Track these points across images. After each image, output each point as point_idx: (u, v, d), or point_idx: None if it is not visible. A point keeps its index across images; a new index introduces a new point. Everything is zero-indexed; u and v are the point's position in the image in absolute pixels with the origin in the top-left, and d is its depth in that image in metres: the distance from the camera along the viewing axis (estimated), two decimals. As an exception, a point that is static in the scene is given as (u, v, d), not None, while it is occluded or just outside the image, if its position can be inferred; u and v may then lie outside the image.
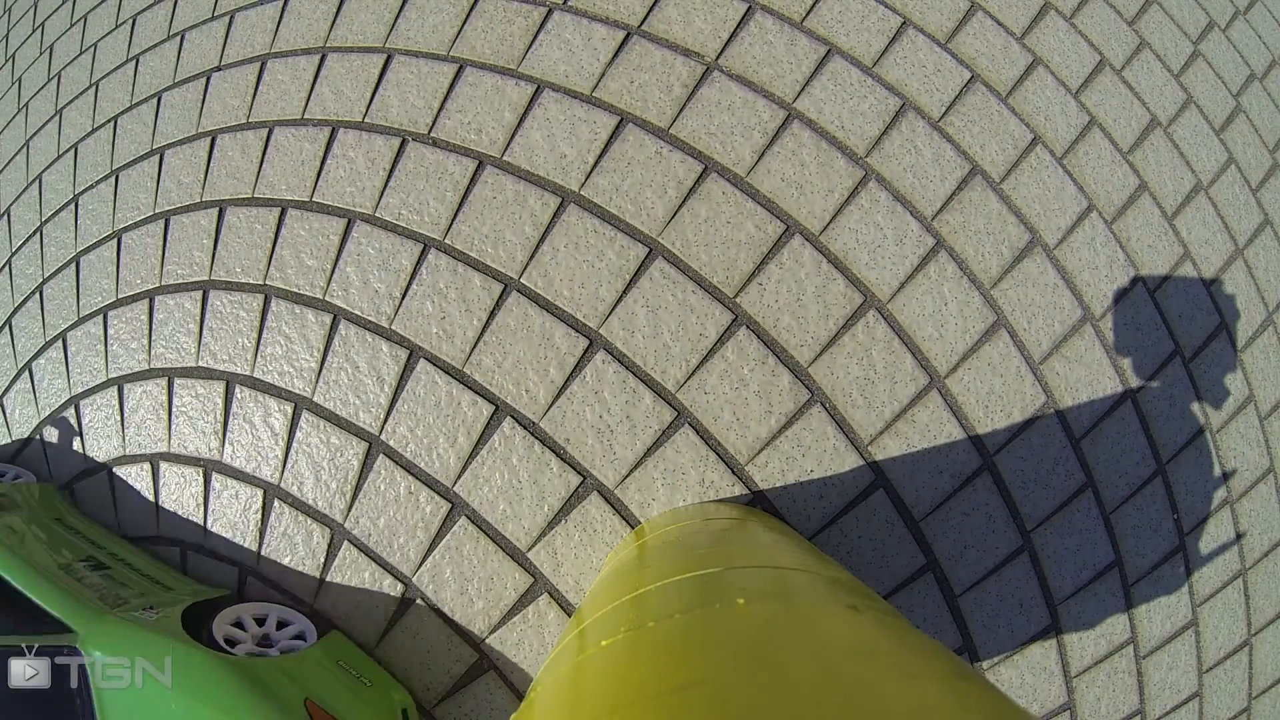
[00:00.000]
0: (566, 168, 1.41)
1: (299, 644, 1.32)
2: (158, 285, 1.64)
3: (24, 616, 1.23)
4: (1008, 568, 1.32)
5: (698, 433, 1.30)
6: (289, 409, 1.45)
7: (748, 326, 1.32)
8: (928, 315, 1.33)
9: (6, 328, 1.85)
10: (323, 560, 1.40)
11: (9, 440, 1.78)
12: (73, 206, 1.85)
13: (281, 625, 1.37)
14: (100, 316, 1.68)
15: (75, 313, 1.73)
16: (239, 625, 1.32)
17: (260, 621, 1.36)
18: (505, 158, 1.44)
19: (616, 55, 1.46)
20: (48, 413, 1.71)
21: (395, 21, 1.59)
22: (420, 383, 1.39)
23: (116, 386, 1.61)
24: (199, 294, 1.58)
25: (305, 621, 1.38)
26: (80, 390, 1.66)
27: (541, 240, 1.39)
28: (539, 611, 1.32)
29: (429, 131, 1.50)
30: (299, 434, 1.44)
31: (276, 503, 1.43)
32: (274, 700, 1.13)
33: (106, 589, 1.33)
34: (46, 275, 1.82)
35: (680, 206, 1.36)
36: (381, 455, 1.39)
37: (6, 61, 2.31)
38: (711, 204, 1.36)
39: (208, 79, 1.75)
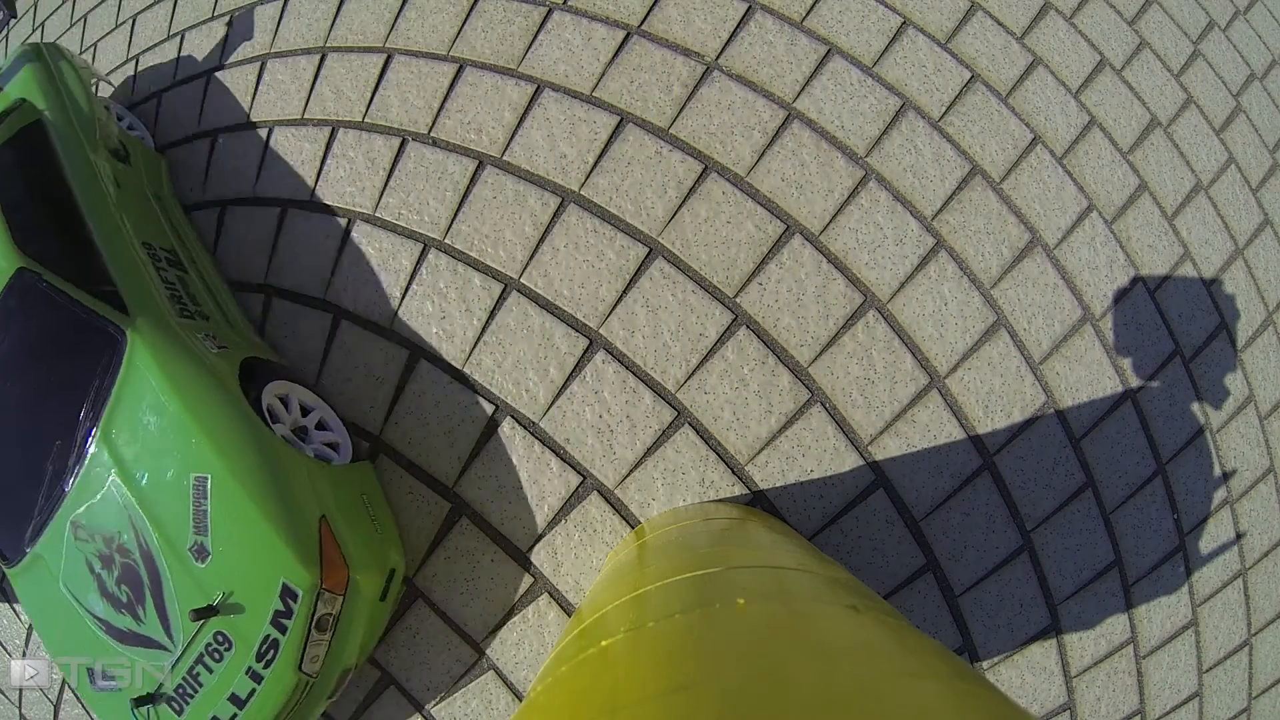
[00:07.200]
0: (566, 167, 1.41)
1: (330, 454, 1.25)
2: (158, 285, 1.64)
3: (90, 271, 1.14)
4: (1008, 568, 1.32)
5: (698, 432, 1.30)
6: (289, 409, 1.45)
7: (748, 326, 1.32)
8: (928, 315, 1.33)
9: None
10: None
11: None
12: (73, 206, 1.85)
13: (321, 428, 1.30)
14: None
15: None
16: (283, 402, 1.26)
17: (304, 411, 1.28)
18: (505, 157, 1.44)
19: (616, 55, 1.46)
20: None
21: (395, 21, 1.59)
22: (420, 383, 1.39)
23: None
24: (199, 294, 1.58)
25: (347, 441, 1.31)
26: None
27: (541, 240, 1.39)
28: (539, 611, 1.32)
29: (429, 131, 1.50)
30: (299, 434, 1.44)
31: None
32: (293, 500, 1.06)
33: (177, 293, 1.24)
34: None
35: (680, 206, 1.36)
36: (383, 455, 1.39)
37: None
38: (711, 204, 1.36)
39: (208, 79, 1.75)
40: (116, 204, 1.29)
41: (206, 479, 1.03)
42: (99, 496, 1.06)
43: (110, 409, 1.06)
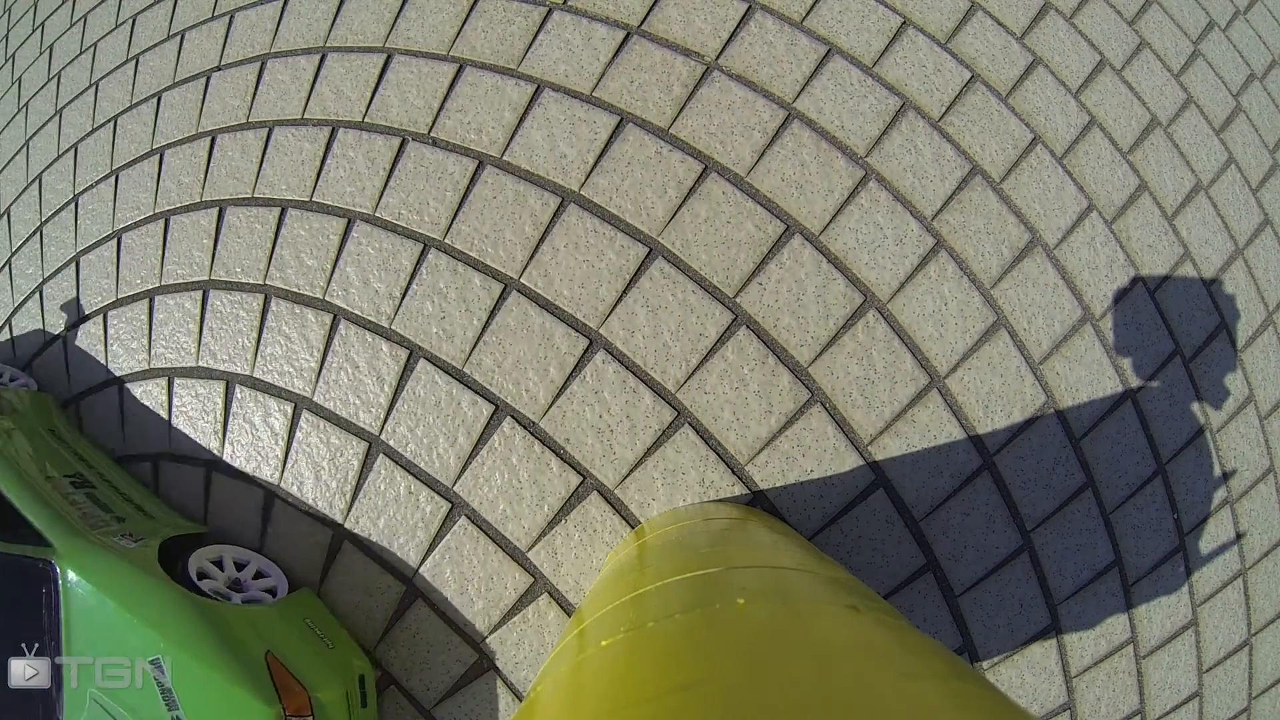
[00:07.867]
0: (566, 167, 1.41)
1: (265, 596, 1.33)
2: (158, 285, 1.64)
3: (10, 525, 1.23)
4: (1008, 568, 1.32)
5: (698, 433, 1.30)
6: (289, 409, 1.45)
7: (748, 326, 1.32)
8: (928, 315, 1.33)
9: (6, 327, 1.85)
10: (323, 560, 1.40)
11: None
12: (73, 206, 1.85)
13: (258, 575, 1.38)
14: (100, 316, 1.68)
15: (75, 313, 1.73)
16: (217, 564, 1.33)
17: (239, 567, 1.36)
18: (505, 157, 1.44)
19: (616, 55, 1.46)
20: (48, 413, 1.71)
21: (395, 21, 1.59)
22: (420, 383, 1.39)
23: (117, 387, 1.61)
24: (199, 294, 1.58)
25: (281, 576, 1.40)
26: (81, 390, 1.66)
27: (541, 240, 1.39)
28: (539, 611, 1.32)
29: (429, 131, 1.50)
30: (299, 434, 1.44)
31: (277, 503, 1.43)
32: (236, 647, 1.14)
33: (89, 509, 1.34)
34: (46, 275, 1.82)
35: (680, 206, 1.36)
36: (381, 455, 1.39)
37: (6, 61, 2.31)
38: (711, 204, 1.36)
39: (208, 79, 1.75)
40: (27, 457, 1.40)
41: (159, 659, 1.12)
42: (85, 713, 1.15)
43: (66, 632, 1.16)
